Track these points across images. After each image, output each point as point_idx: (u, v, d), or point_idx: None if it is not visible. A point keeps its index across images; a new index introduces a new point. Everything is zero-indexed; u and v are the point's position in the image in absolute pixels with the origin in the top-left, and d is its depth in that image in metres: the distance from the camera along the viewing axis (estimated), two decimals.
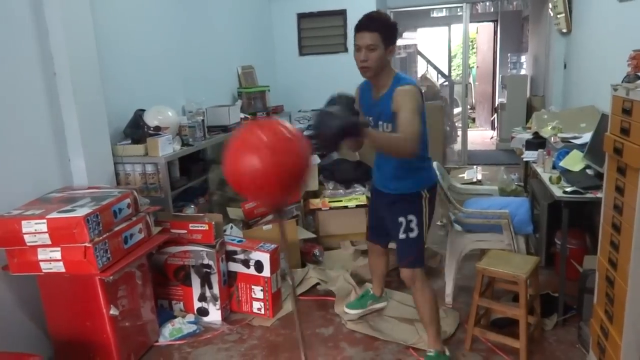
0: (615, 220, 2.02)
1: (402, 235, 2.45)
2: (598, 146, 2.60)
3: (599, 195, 2.47)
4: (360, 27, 2.27)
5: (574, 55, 5.07)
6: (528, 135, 4.10)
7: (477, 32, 10.61)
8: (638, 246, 1.84)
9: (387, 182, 2.53)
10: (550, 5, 5.77)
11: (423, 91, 7.51)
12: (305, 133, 1.81)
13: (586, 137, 3.30)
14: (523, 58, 9.17)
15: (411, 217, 2.42)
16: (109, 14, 3.23)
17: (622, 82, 2.18)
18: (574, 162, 3.08)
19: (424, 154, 2.46)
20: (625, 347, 1.92)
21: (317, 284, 3.45)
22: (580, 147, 3.22)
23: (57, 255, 2.34)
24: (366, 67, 2.28)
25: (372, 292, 3.11)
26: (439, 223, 4.57)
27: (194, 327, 2.97)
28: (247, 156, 1.46)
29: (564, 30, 5.22)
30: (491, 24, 10.15)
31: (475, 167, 6.36)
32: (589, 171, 2.96)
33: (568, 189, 2.77)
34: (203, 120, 3.67)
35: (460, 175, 4.96)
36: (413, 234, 2.43)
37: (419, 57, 10.04)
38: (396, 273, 3.47)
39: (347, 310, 3.06)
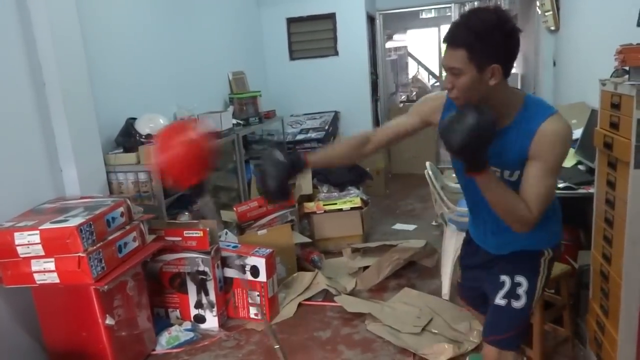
0: (608, 215, 2.03)
1: (499, 301, 1.75)
2: (589, 142, 2.61)
3: (591, 190, 2.48)
4: (445, 39, 1.53)
5: (563, 52, 5.10)
6: None
7: None
8: (631, 240, 1.85)
9: (488, 237, 1.84)
10: (537, 4, 5.80)
11: (415, 93, 7.50)
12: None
13: (577, 133, 3.30)
14: None
15: (520, 279, 1.73)
16: (97, 22, 3.22)
17: (611, 77, 2.19)
18: (566, 158, 3.09)
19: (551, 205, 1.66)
20: (621, 341, 1.93)
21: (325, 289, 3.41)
22: (572, 143, 3.24)
23: (51, 266, 2.33)
24: (452, 96, 1.55)
25: None
26: (433, 223, 4.58)
27: (191, 335, 2.96)
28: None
29: (552, 28, 5.25)
30: None
31: None
32: (580, 167, 2.97)
33: (560, 185, 2.78)
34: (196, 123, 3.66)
35: (454, 175, 4.98)
36: (518, 304, 1.72)
37: (409, 58, 10.08)
38: (394, 275, 3.49)
39: None
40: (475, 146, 1.41)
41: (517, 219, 1.55)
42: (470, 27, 1.45)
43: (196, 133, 1.78)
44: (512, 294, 1.73)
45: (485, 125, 1.39)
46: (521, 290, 1.72)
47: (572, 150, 3.11)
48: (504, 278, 1.75)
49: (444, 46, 1.61)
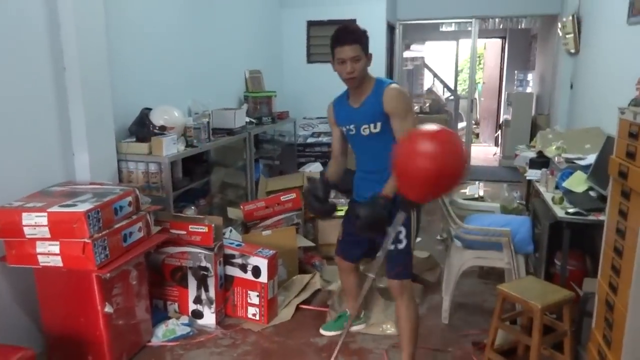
0: (618, 244, 2.01)
1: (391, 247, 2.33)
2: (602, 168, 2.59)
3: (602, 217, 2.46)
4: (341, 41, 2.30)
5: (581, 75, 5.08)
6: (532, 154, 4.10)
7: (484, 48, 10.64)
8: None
9: (361, 184, 2.54)
10: (559, 25, 5.79)
11: (428, 104, 7.49)
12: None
13: (590, 159, 3.29)
14: (530, 76, 9.19)
15: (400, 228, 2.34)
16: (121, 12, 3.24)
17: (629, 105, 2.18)
18: (578, 183, 3.07)
19: None
20: None
21: (319, 290, 3.42)
22: (584, 168, 3.22)
23: (56, 249, 2.33)
24: (353, 77, 2.32)
25: (349, 313, 2.98)
26: (438, 237, 4.56)
27: (187, 329, 2.95)
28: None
29: (572, 51, 5.24)
30: (499, 41, 10.18)
31: (477, 182, 6.36)
32: (592, 193, 2.95)
33: (570, 210, 2.76)
34: (208, 122, 3.67)
35: (462, 191, 4.96)
36: (401, 245, 2.41)
37: (425, 70, 10.08)
38: None
39: (322, 332, 3.00)
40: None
41: None
42: (358, 31, 2.34)
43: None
44: (397, 240, 2.38)
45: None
46: (402, 236, 2.40)
47: (583, 176, 3.09)
48: (389, 230, 2.20)
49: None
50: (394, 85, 2.35)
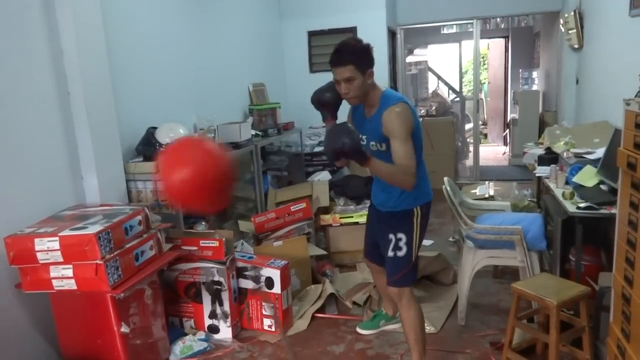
0: (631, 237, 1.99)
1: (390, 253, 2.44)
2: (612, 161, 2.57)
3: (614, 211, 2.44)
4: (333, 62, 2.26)
5: (586, 70, 5.05)
6: (540, 151, 4.07)
7: (488, 48, 10.62)
8: None
9: (381, 199, 2.52)
10: (561, 22, 5.77)
11: (434, 107, 7.48)
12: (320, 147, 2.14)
13: (599, 153, 3.26)
14: (535, 74, 9.14)
15: (400, 235, 2.40)
16: (122, 34, 3.28)
17: (635, 96, 2.16)
18: (588, 177, 3.05)
19: (418, 171, 2.34)
20: None
21: (333, 294, 3.43)
22: (594, 162, 3.19)
23: (69, 272, 2.35)
24: (350, 97, 2.31)
25: (385, 311, 3.09)
26: (450, 239, 4.53)
27: (204, 345, 2.96)
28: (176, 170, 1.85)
29: (576, 46, 5.21)
30: (502, 40, 10.16)
31: (487, 182, 6.32)
32: (602, 187, 2.92)
33: (582, 205, 2.74)
34: (214, 137, 3.69)
35: (472, 191, 4.92)
36: (401, 253, 2.41)
37: (430, 73, 10.07)
38: None
39: (359, 330, 3.07)
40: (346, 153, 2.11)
41: (402, 180, 2.22)
42: (350, 50, 2.24)
43: (212, 149, 1.82)
44: (396, 247, 2.41)
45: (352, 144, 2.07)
46: (402, 243, 2.40)
47: (593, 170, 3.07)
48: (391, 236, 2.42)
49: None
50: (393, 107, 2.25)
